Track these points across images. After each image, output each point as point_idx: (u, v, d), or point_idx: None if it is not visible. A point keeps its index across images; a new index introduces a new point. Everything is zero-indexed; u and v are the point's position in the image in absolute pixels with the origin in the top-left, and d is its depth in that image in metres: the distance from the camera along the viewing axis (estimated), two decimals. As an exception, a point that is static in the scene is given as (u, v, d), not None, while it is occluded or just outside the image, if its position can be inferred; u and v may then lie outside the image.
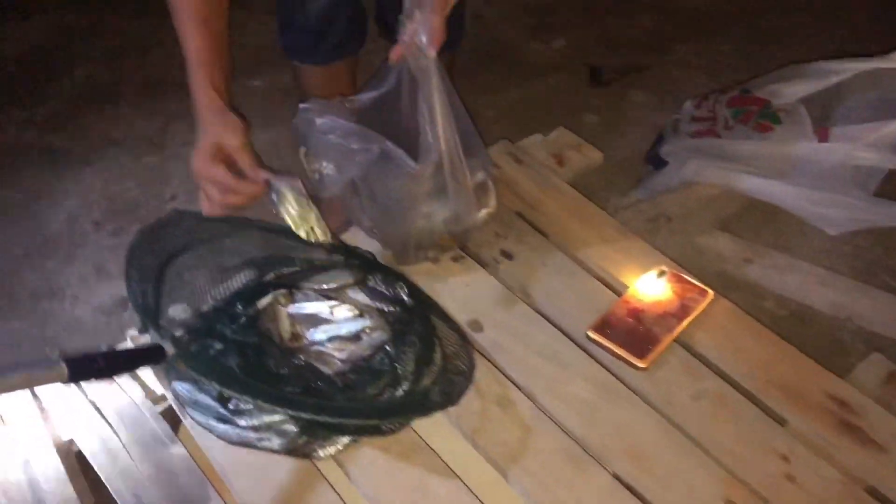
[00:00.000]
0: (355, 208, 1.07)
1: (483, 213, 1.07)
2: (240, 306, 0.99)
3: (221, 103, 0.95)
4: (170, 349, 0.80)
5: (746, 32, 2.08)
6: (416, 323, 0.99)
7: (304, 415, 0.81)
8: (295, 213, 0.99)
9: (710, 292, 1.06)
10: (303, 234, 1.00)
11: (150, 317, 0.85)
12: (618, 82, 1.92)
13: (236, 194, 0.95)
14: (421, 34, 0.89)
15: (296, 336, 1.01)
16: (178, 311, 0.93)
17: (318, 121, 0.96)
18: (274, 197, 0.98)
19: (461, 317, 1.03)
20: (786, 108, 1.35)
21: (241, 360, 0.90)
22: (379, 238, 1.09)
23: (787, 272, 1.32)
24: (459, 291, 1.07)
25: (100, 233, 1.58)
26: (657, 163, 1.51)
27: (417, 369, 0.93)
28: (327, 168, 0.97)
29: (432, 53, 0.90)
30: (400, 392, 0.91)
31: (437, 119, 0.93)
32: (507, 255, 1.13)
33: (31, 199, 1.66)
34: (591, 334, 1.00)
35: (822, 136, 1.31)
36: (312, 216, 1.00)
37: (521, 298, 1.07)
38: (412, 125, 1.08)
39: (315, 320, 1.01)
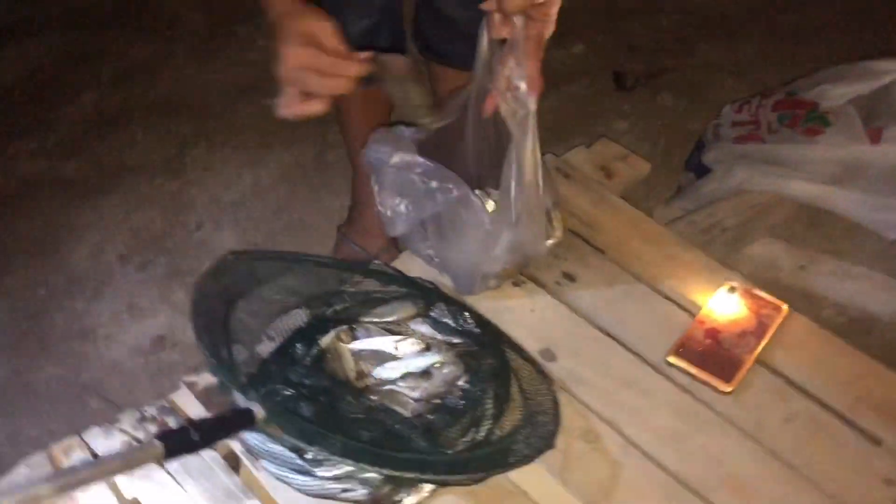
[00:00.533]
0: (415, 235, 1.03)
1: (550, 242, 1.03)
2: (301, 347, 0.95)
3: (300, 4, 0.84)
4: (260, 412, 0.75)
5: (767, 31, 2.05)
6: (488, 355, 0.95)
7: (399, 473, 0.77)
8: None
9: (785, 307, 1.03)
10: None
11: (233, 378, 0.80)
12: (643, 87, 1.89)
13: (338, 77, 0.84)
14: (517, 81, 0.85)
15: (361, 374, 0.97)
16: (243, 358, 0.89)
17: (394, 156, 0.92)
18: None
19: (532, 345, 1.00)
20: (834, 110, 1.32)
21: (315, 406, 0.86)
22: (439, 267, 1.06)
23: (845, 279, 1.30)
24: (526, 318, 1.03)
25: (126, 267, 1.53)
26: (700, 170, 1.48)
27: (497, 405, 0.89)
28: (401, 205, 0.93)
29: (533, 105, 0.86)
30: (482, 432, 0.87)
31: (525, 174, 0.89)
32: (570, 278, 1.09)
33: (51, 234, 1.60)
34: (672, 359, 0.97)
35: (875, 138, 1.29)
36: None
37: (591, 322, 1.03)
38: (475, 153, 1.05)
39: (380, 357, 0.97)
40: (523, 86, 0.85)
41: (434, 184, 0.91)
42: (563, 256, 1.12)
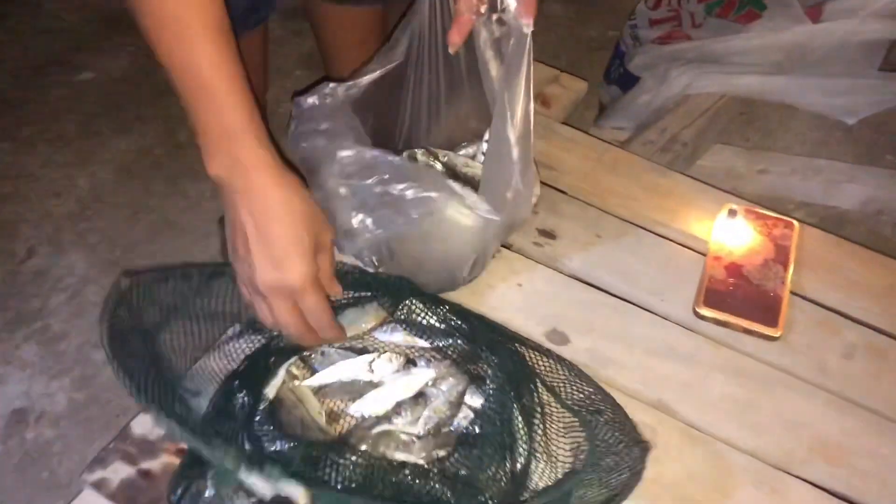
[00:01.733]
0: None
1: (534, 201, 0.84)
2: (243, 399, 0.71)
3: (282, 163, 0.65)
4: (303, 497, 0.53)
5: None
6: (491, 353, 0.75)
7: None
8: None
9: (796, 223, 0.91)
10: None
11: (232, 454, 0.55)
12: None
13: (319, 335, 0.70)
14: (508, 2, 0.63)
15: (333, 416, 0.74)
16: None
17: (342, 151, 0.68)
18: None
19: (534, 330, 0.81)
20: (768, -9, 1.20)
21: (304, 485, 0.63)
22: (399, 270, 0.83)
23: (809, 175, 1.21)
24: (514, 297, 0.84)
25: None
26: (625, 81, 1.33)
27: (527, 420, 0.70)
28: (361, 222, 0.70)
29: (528, 29, 0.65)
30: (520, 460, 0.68)
31: (518, 124, 0.69)
32: (549, 235, 0.91)
33: None
34: (703, 311, 0.82)
35: (815, 16, 1.18)
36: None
37: (592, 285, 0.86)
38: (417, 104, 0.84)
39: (353, 389, 0.75)
40: (512, 3, 0.64)
41: (408, 192, 0.68)
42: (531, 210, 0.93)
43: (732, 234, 0.89)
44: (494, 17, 0.67)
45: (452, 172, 0.89)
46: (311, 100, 0.76)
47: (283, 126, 1.42)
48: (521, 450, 0.69)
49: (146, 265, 1.17)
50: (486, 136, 0.91)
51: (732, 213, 0.92)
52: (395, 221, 0.70)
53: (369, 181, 0.69)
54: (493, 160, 0.73)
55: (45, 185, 1.35)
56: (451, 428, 0.71)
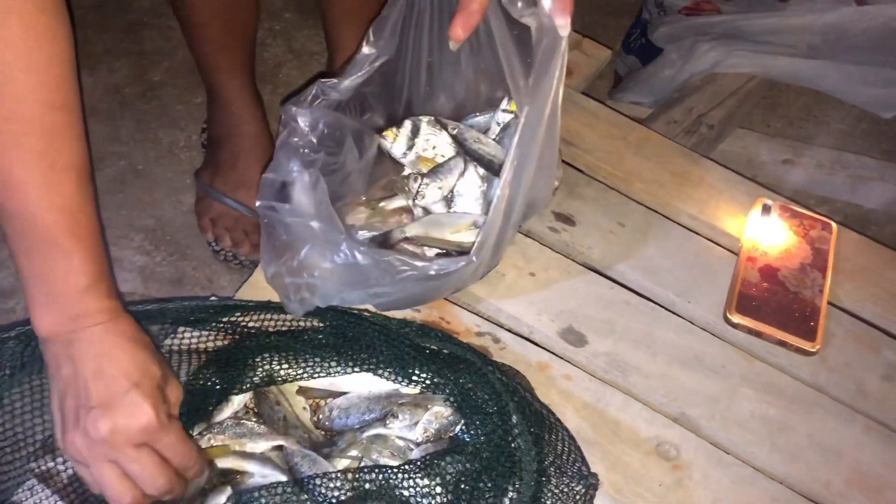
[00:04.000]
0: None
1: (556, 185, 0.77)
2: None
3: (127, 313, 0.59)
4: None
5: None
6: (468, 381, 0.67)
7: None
8: None
9: (834, 224, 0.85)
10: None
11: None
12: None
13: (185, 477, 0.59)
14: None
15: (318, 412, 0.67)
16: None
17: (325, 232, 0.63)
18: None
19: (548, 327, 0.74)
20: (812, -34, 1.12)
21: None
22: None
23: (835, 169, 1.15)
24: (527, 289, 0.77)
25: None
26: (646, 52, 1.25)
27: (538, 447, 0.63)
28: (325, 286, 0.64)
29: (566, 31, 0.57)
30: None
31: (544, 126, 0.63)
32: (567, 220, 0.84)
33: None
34: (735, 317, 0.76)
35: (860, -3, 1.11)
36: None
37: (613, 279, 0.79)
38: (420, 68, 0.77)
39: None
40: (547, 3, 0.56)
41: (400, 265, 0.63)
42: (548, 191, 0.85)
43: (767, 232, 0.83)
44: (527, 11, 0.58)
45: (461, 146, 0.81)
46: (301, 115, 0.68)
47: (270, 71, 1.33)
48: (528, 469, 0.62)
49: (110, 218, 1.07)
50: (502, 106, 0.83)
51: (766, 209, 0.85)
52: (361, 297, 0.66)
53: (323, 260, 0.64)
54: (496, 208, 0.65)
55: None
56: (454, 434, 0.65)
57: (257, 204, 0.65)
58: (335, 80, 0.71)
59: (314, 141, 0.69)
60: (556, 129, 0.68)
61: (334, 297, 0.67)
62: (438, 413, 0.65)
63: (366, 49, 0.71)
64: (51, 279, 0.55)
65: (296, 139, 0.69)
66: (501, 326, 0.74)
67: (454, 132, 0.82)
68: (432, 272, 0.64)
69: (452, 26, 0.62)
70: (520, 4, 0.61)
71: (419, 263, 0.64)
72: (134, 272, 1.04)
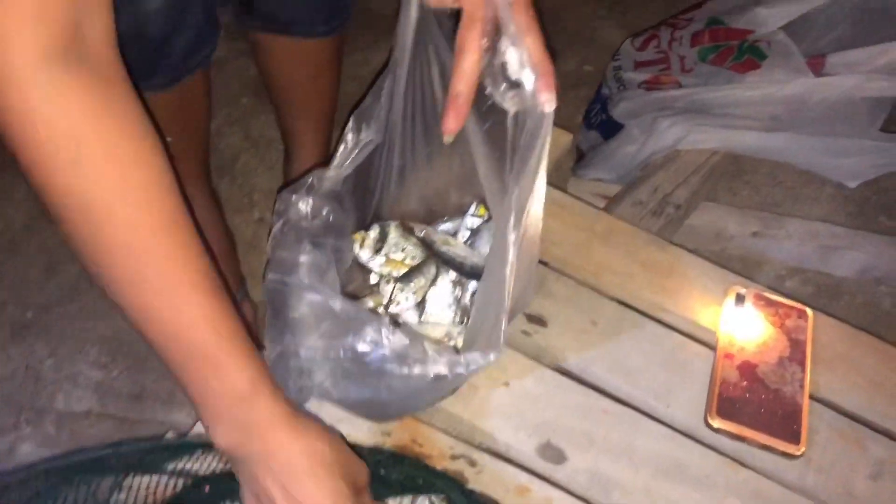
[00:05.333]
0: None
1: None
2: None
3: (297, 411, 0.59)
4: None
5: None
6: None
7: None
8: None
9: (809, 311, 0.85)
10: None
11: None
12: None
13: None
14: (516, 75, 0.55)
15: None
16: None
17: (312, 299, 0.60)
18: None
19: (527, 445, 0.72)
20: (767, 39, 1.14)
21: None
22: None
23: (805, 240, 1.15)
24: (501, 401, 0.75)
25: None
26: (608, 128, 1.26)
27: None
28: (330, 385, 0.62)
29: (550, 107, 0.56)
30: None
31: (532, 217, 0.63)
32: (539, 321, 0.82)
33: None
34: (716, 423, 0.74)
35: (816, 68, 1.13)
36: None
37: (590, 385, 0.78)
38: (392, 172, 0.76)
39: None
40: (529, 80, 0.55)
41: (387, 366, 0.61)
42: (516, 291, 0.84)
43: (742, 324, 0.83)
44: (505, 98, 0.58)
45: (429, 249, 0.80)
46: (292, 202, 0.67)
47: (228, 162, 1.31)
48: None
49: (63, 330, 1.04)
50: (471, 211, 0.83)
51: (740, 298, 0.85)
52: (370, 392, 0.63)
53: (339, 343, 0.61)
54: (488, 287, 0.64)
55: None
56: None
57: (267, 277, 0.63)
58: (331, 172, 0.70)
59: (319, 226, 0.68)
60: (540, 215, 0.68)
61: (334, 391, 0.65)
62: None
63: (351, 140, 0.70)
64: (212, 398, 0.55)
65: (303, 223, 0.67)
66: (477, 447, 0.72)
67: (421, 235, 0.81)
68: (460, 369, 0.61)
69: (444, 120, 0.62)
70: (502, 87, 0.60)
71: (449, 357, 0.61)
72: (90, 389, 1.00)
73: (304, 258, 0.65)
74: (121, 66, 0.49)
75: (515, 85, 0.57)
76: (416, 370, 0.61)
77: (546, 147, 0.61)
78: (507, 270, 0.62)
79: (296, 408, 0.58)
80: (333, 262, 0.67)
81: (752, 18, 1.13)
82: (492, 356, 0.62)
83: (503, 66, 0.57)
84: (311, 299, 0.62)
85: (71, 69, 0.46)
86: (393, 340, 0.61)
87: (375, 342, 0.61)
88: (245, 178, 1.28)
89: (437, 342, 0.74)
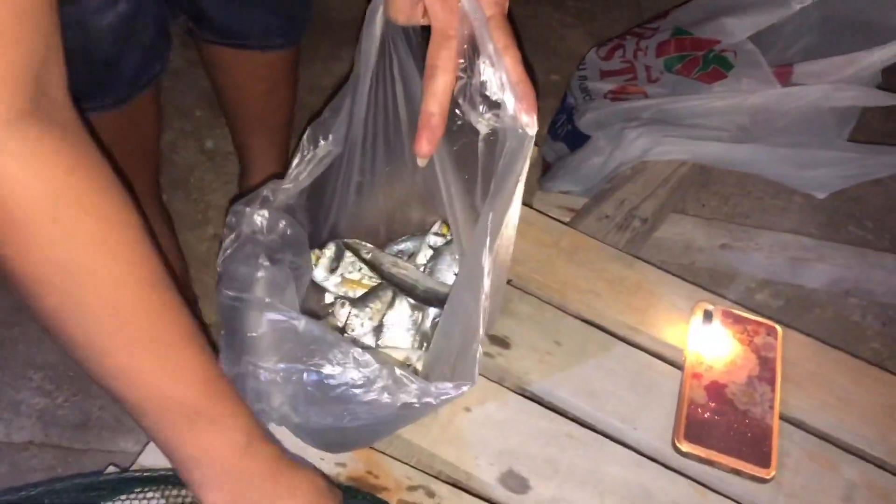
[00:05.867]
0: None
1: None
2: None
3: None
4: None
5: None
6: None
7: None
8: None
9: (779, 328, 0.83)
10: None
11: None
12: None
13: None
14: (496, 95, 0.54)
15: None
16: None
17: (272, 318, 0.58)
18: None
19: (488, 473, 0.69)
20: (733, 49, 1.13)
21: None
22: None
23: (774, 252, 1.14)
24: (462, 427, 0.73)
25: None
26: (573, 139, 1.24)
27: None
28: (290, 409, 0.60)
29: (532, 130, 0.55)
30: None
31: (505, 237, 0.62)
32: (502, 343, 0.80)
33: None
34: (684, 447, 0.72)
35: (784, 78, 1.12)
36: None
37: (554, 409, 0.75)
38: (350, 188, 0.73)
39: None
40: (510, 103, 0.53)
41: (354, 391, 0.59)
42: (478, 310, 0.81)
43: (710, 342, 0.81)
44: (485, 116, 0.55)
45: (377, 271, 0.78)
46: (246, 215, 0.64)
47: (182, 176, 1.28)
48: None
49: (5, 357, 1.00)
50: (434, 229, 0.80)
51: (708, 315, 0.83)
52: (332, 419, 0.60)
53: (302, 367, 0.58)
54: (455, 313, 0.62)
55: None
56: None
57: (222, 293, 0.60)
58: (287, 185, 0.67)
59: (276, 241, 0.65)
60: (513, 237, 0.66)
61: (294, 416, 0.62)
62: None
63: (307, 152, 0.67)
64: (208, 451, 0.54)
65: (258, 236, 0.64)
66: (436, 476, 0.69)
67: (368, 256, 0.78)
68: (430, 399, 0.59)
69: (417, 142, 0.59)
70: (479, 108, 0.57)
71: (420, 385, 0.59)
72: (32, 417, 0.96)
73: (261, 274, 0.62)
74: (75, 111, 0.47)
75: (493, 106, 0.55)
76: (385, 398, 0.58)
77: (525, 169, 0.59)
78: (482, 298, 0.60)
79: (300, 472, 0.59)
80: (292, 279, 0.64)
81: (719, 28, 1.12)
82: (465, 387, 0.60)
83: (480, 86, 0.54)
84: (271, 318, 0.59)
85: (41, 126, 0.43)
86: (361, 364, 0.58)
87: (342, 366, 0.58)
88: (200, 192, 1.24)
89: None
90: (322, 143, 0.69)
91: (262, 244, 0.64)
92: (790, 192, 1.19)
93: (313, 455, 0.68)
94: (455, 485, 0.69)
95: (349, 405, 0.59)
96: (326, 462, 0.69)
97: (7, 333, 1.03)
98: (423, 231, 0.82)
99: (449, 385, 0.59)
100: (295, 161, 0.68)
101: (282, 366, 0.59)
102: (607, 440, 0.73)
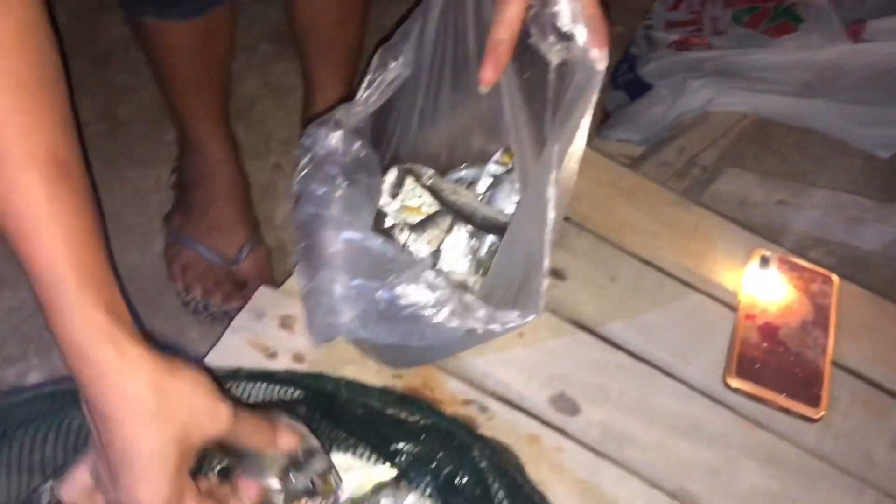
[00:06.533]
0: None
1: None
2: None
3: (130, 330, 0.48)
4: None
5: None
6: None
7: None
8: None
9: (835, 278, 0.83)
10: None
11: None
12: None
13: None
14: (566, 27, 0.54)
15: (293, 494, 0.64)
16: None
17: (349, 237, 0.60)
18: None
19: (539, 396, 0.71)
20: (805, 4, 1.11)
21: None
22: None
23: (832, 210, 1.13)
24: (515, 352, 0.74)
25: None
26: (635, 88, 1.23)
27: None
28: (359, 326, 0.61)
29: (602, 64, 0.55)
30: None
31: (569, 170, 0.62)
32: (558, 275, 0.81)
33: None
34: (734, 382, 0.73)
35: (856, 34, 1.10)
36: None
37: (607, 341, 0.76)
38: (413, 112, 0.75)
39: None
40: (582, 36, 0.54)
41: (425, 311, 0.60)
42: (535, 242, 0.83)
43: (765, 287, 0.81)
44: (556, 47, 0.56)
45: (437, 197, 0.79)
46: (321, 137, 0.65)
47: (245, 108, 1.30)
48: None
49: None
50: (495, 158, 0.81)
51: (765, 261, 0.83)
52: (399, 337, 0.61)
53: (378, 285, 0.59)
54: (516, 242, 0.63)
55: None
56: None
57: (301, 209, 0.61)
58: (358, 108, 0.68)
59: (351, 163, 0.66)
60: (575, 171, 0.67)
61: (363, 332, 0.63)
62: (423, 495, 0.61)
63: (377, 75, 0.68)
64: (61, 320, 0.47)
65: (333, 157, 0.65)
66: (489, 394, 0.71)
67: (428, 182, 0.79)
68: (495, 327, 0.60)
69: (482, 68, 0.60)
70: (550, 39, 0.58)
71: (487, 312, 0.60)
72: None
73: (339, 193, 0.63)
74: None
75: (564, 37, 0.55)
76: (453, 321, 0.60)
77: (592, 104, 0.60)
78: (547, 230, 0.61)
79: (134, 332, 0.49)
80: (368, 200, 0.65)
81: (791, -21, 1.11)
82: (529, 318, 0.61)
83: (553, 17, 0.55)
84: (349, 237, 0.60)
85: None
86: (432, 287, 0.59)
87: (414, 287, 0.59)
88: (262, 124, 1.26)
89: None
90: (392, 65, 0.70)
91: (337, 165, 0.65)
92: (851, 153, 1.17)
93: (372, 364, 0.71)
94: (507, 403, 0.71)
95: (417, 325, 0.61)
96: (382, 374, 0.71)
97: None
98: (483, 159, 0.83)
99: (515, 314, 0.61)
100: (364, 84, 0.69)
101: (356, 282, 0.61)
102: (658, 372, 0.74)
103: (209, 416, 0.50)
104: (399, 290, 0.59)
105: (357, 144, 0.68)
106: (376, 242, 0.60)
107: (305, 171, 0.65)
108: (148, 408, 0.47)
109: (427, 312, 0.59)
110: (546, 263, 0.62)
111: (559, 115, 0.61)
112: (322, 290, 0.62)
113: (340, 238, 0.60)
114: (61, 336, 0.47)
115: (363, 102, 0.69)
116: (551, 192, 0.60)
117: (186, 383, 0.49)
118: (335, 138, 0.66)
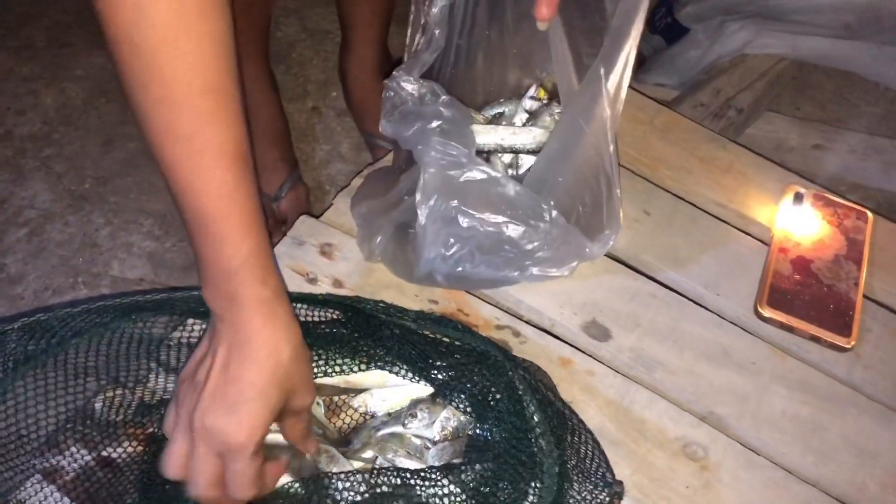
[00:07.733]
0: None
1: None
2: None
3: (285, 304, 0.57)
4: None
5: None
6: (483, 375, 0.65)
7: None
8: None
9: (869, 213, 0.82)
10: None
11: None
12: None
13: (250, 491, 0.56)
14: None
15: (334, 409, 0.66)
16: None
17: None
18: None
19: (572, 322, 0.72)
20: (847, -58, 1.08)
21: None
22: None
23: (868, 155, 1.11)
24: (546, 280, 0.75)
25: None
26: (672, 32, 1.22)
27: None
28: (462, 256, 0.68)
29: None
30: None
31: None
32: (591, 207, 0.81)
33: None
34: (766, 311, 0.73)
35: (898, -27, 1.07)
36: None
37: (639, 271, 0.77)
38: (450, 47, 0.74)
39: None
40: None
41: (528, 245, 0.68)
42: (569, 176, 0.83)
43: (799, 221, 0.81)
44: None
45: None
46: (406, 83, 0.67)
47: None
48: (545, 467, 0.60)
49: (118, 202, 1.06)
50: (530, 93, 0.81)
51: (799, 197, 0.83)
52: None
53: (485, 216, 0.64)
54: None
55: (6, 101, 1.22)
56: (470, 432, 0.63)
57: (430, 142, 0.63)
58: (426, 55, 0.68)
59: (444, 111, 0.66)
60: (623, 99, 0.68)
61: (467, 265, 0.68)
62: (456, 410, 0.63)
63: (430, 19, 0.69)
64: (206, 260, 0.54)
65: (425, 98, 0.66)
66: (522, 319, 0.72)
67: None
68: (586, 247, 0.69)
69: (537, 6, 0.61)
70: None
71: (588, 244, 0.69)
72: (143, 258, 1.02)
73: (437, 134, 0.64)
74: None
75: None
76: (555, 253, 0.68)
77: (639, 31, 0.61)
78: (610, 149, 0.66)
79: (287, 306, 0.56)
80: (470, 133, 0.66)
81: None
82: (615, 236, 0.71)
83: None
84: (478, 174, 0.63)
85: None
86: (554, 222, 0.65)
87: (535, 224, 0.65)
88: (300, 67, 1.27)
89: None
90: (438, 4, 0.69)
91: (429, 106, 0.66)
92: (889, 100, 1.15)
93: (409, 289, 0.72)
94: (540, 328, 0.72)
95: (516, 253, 0.66)
96: (420, 298, 0.72)
97: (122, 183, 1.09)
98: (518, 94, 0.83)
99: (607, 233, 0.70)
100: (419, 28, 0.69)
101: (481, 215, 0.65)
102: (689, 302, 0.75)
103: (307, 390, 0.57)
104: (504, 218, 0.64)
105: (436, 86, 0.68)
106: (505, 181, 0.63)
107: (396, 112, 0.66)
108: (279, 362, 0.54)
109: (530, 246, 0.66)
110: (616, 176, 0.69)
111: (606, 42, 0.61)
112: (438, 223, 0.64)
113: (469, 171, 0.63)
114: (222, 287, 0.54)
115: (432, 51, 0.68)
116: (607, 113, 0.64)
117: (307, 358, 0.58)
118: (418, 85, 0.66)
